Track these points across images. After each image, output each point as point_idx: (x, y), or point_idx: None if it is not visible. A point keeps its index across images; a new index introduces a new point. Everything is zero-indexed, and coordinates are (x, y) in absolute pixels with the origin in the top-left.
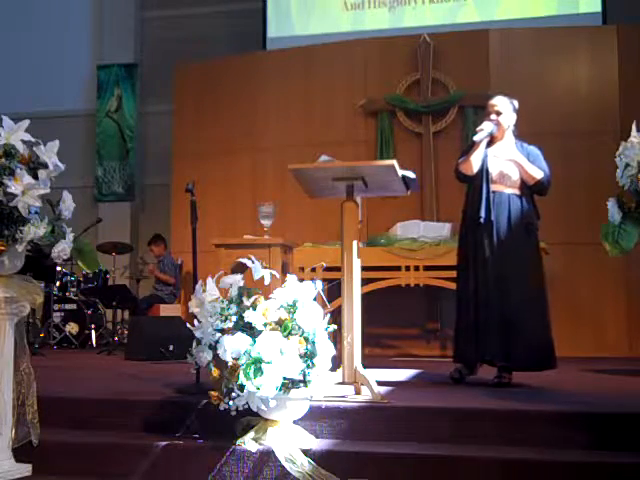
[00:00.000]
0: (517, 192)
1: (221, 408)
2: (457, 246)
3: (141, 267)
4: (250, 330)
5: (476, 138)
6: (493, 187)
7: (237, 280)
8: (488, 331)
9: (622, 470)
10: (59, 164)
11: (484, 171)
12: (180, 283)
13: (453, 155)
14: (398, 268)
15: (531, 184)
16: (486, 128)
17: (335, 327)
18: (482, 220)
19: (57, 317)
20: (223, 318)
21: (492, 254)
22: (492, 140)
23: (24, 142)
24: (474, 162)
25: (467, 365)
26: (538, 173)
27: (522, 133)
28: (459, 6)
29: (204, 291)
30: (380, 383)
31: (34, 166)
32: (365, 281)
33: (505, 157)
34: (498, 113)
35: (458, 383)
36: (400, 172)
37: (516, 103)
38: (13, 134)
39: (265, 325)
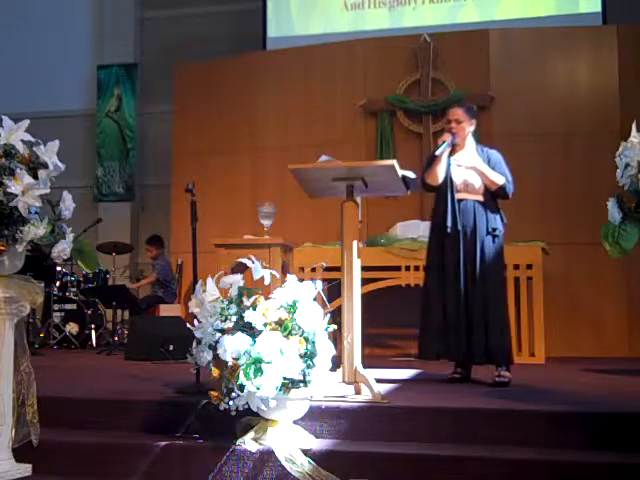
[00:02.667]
0: (481, 199)
1: (221, 408)
2: (426, 249)
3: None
4: (250, 330)
5: (437, 153)
6: (458, 196)
7: (237, 280)
8: (452, 331)
9: (622, 470)
10: (59, 164)
11: (448, 180)
12: (174, 282)
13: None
14: (398, 268)
15: (493, 190)
16: (447, 141)
17: (335, 327)
18: (449, 230)
19: (57, 317)
20: (223, 318)
21: (459, 261)
22: (454, 148)
23: (24, 142)
24: (439, 173)
25: (459, 364)
26: (499, 179)
27: (522, 133)
28: (459, 6)
29: (204, 291)
30: (380, 383)
31: (34, 166)
32: (365, 281)
33: (467, 165)
34: (457, 122)
35: (458, 382)
36: (400, 172)
37: (475, 108)
38: (13, 134)
39: (265, 325)
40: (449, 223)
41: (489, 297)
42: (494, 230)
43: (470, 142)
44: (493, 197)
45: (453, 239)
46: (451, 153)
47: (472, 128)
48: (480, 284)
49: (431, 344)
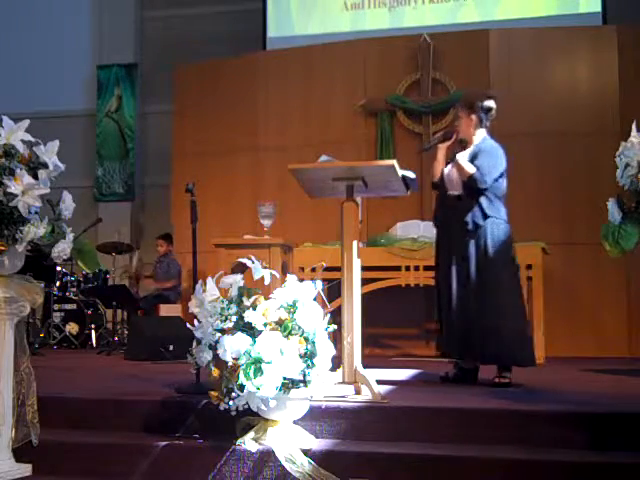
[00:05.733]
0: (461, 193)
1: (221, 408)
2: None
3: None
4: (250, 330)
5: (424, 146)
6: (449, 191)
7: (237, 280)
8: (445, 329)
9: (622, 470)
10: (59, 164)
11: (443, 176)
12: (180, 283)
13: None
14: (398, 268)
15: (466, 181)
16: (437, 135)
17: (335, 327)
18: (434, 224)
19: (57, 317)
20: (223, 318)
21: (446, 258)
22: (465, 145)
23: (24, 142)
24: (435, 169)
25: (456, 364)
26: (471, 169)
27: (522, 133)
28: (459, 6)
29: (204, 291)
30: (380, 383)
31: (34, 166)
32: (365, 281)
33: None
34: (458, 118)
35: (451, 382)
36: (400, 172)
37: (478, 102)
38: (13, 134)
39: (265, 325)
40: (434, 218)
41: (476, 295)
42: (466, 223)
43: (477, 138)
44: (469, 190)
45: (440, 235)
46: (464, 150)
47: (475, 123)
48: (469, 281)
49: (439, 342)
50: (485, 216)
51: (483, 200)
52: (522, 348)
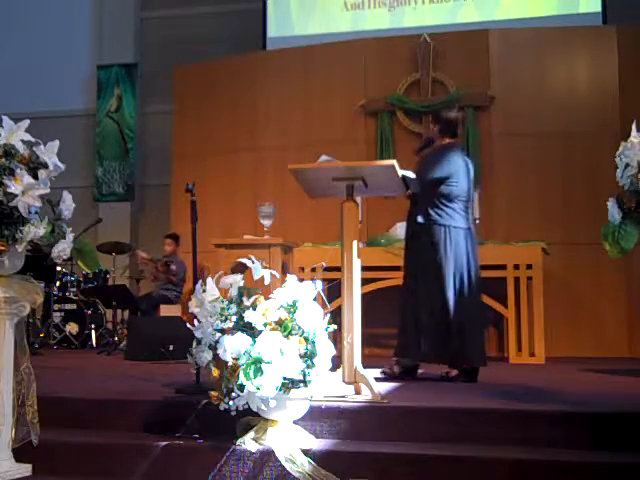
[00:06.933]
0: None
1: (221, 408)
2: None
3: (142, 268)
4: (250, 330)
5: (417, 150)
6: None
7: (237, 280)
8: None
9: (622, 470)
10: (59, 164)
11: None
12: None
13: None
14: (398, 268)
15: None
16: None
17: (335, 327)
18: None
19: (57, 317)
20: (223, 318)
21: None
22: None
23: (24, 142)
24: None
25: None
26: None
27: (522, 133)
28: (459, 6)
29: (204, 291)
30: (380, 383)
31: (34, 166)
32: (365, 281)
33: None
34: None
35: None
36: (400, 172)
37: (442, 114)
38: (13, 134)
39: (265, 325)
40: None
41: (406, 295)
42: (411, 228)
43: (436, 147)
44: (422, 195)
45: None
46: None
47: (435, 132)
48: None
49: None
50: (416, 222)
51: (420, 206)
52: (443, 347)
